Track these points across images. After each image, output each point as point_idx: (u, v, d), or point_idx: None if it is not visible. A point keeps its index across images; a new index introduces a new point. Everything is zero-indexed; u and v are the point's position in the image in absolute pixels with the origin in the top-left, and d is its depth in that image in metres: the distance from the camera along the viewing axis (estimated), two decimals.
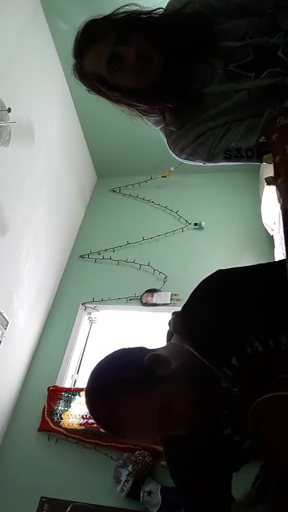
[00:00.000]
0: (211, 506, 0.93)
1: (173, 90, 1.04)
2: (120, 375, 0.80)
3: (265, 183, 0.77)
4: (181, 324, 0.90)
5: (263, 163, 0.92)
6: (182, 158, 1.16)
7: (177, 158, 1.17)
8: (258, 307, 0.81)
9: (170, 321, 0.94)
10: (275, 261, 0.97)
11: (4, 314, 2.54)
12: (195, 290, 0.91)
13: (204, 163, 1.13)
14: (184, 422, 0.79)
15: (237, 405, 0.78)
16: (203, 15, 1.04)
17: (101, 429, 2.41)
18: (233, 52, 1.03)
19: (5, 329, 2.57)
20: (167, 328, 0.96)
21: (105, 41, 0.99)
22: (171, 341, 0.90)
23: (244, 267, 0.91)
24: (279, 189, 0.72)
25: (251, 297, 0.83)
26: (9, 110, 2.21)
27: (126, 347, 0.88)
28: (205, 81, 1.05)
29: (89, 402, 0.82)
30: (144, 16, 1.03)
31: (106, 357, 0.86)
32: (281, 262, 0.88)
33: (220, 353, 0.80)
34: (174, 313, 0.93)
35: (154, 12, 1.04)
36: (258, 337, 0.78)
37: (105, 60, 0.98)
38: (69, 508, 2.29)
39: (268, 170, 0.78)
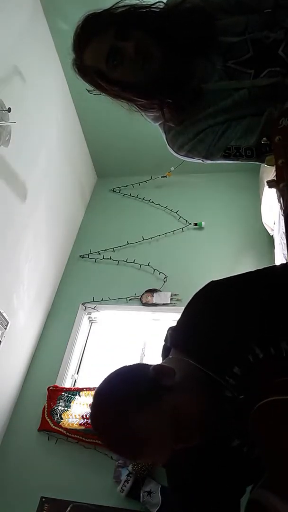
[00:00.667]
0: None
1: (172, 85, 1.03)
2: (127, 391, 0.79)
3: (267, 186, 0.76)
4: (179, 338, 0.88)
5: (265, 165, 0.91)
6: (180, 155, 1.15)
7: (175, 154, 1.16)
8: (257, 314, 0.80)
9: (166, 336, 0.92)
10: (266, 267, 0.95)
11: (4, 314, 2.54)
12: (189, 303, 0.90)
13: (202, 161, 1.12)
14: (194, 432, 0.78)
15: (242, 414, 0.78)
16: (204, 10, 1.03)
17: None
18: (233, 48, 1.02)
19: (5, 329, 2.56)
20: (162, 343, 0.94)
21: (105, 36, 0.98)
22: (169, 356, 0.89)
23: (236, 275, 0.90)
24: (281, 193, 0.71)
25: (248, 304, 0.82)
26: (9, 110, 2.21)
27: (125, 365, 0.87)
28: (204, 77, 1.04)
29: (100, 425, 0.81)
30: (144, 10, 1.02)
31: (108, 377, 0.84)
32: (273, 267, 0.87)
33: (221, 363, 0.79)
34: (171, 328, 0.92)
35: (154, 6, 1.04)
36: (259, 344, 0.77)
37: (105, 54, 0.98)
38: (69, 508, 2.29)
39: (268, 171, 0.77)
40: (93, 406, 0.82)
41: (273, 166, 0.75)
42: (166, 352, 0.93)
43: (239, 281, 0.88)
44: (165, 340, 0.93)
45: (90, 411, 0.84)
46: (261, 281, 0.87)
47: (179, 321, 0.91)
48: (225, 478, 0.89)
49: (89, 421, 2.50)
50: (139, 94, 1.04)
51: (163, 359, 0.92)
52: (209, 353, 0.81)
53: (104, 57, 0.98)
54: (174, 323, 0.95)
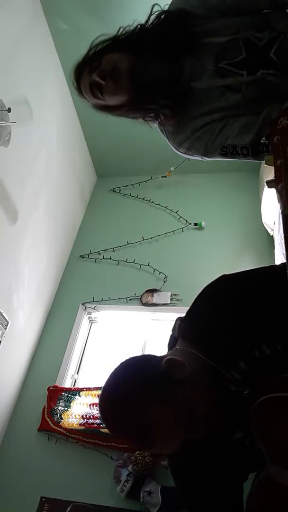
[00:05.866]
0: None
1: (156, 89, 1.07)
2: (140, 384, 0.79)
3: (266, 186, 0.76)
4: (187, 330, 0.89)
5: (264, 164, 0.91)
6: (180, 152, 1.17)
7: (176, 151, 1.18)
8: (265, 311, 0.80)
9: (174, 326, 0.93)
10: (277, 265, 0.96)
11: (4, 314, 2.54)
12: (199, 295, 0.90)
13: (202, 158, 1.14)
14: (204, 423, 0.78)
15: (246, 408, 0.78)
16: (178, 15, 1.07)
17: (101, 430, 2.42)
18: (225, 49, 1.04)
19: (5, 329, 2.57)
20: (170, 333, 0.95)
21: (84, 75, 1.10)
22: (176, 347, 0.89)
23: (248, 271, 0.89)
24: (279, 194, 0.72)
25: (258, 301, 0.82)
26: (9, 110, 2.21)
27: (131, 356, 0.87)
28: (192, 76, 1.06)
29: (113, 418, 0.80)
30: (112, 36, 1.10)
31: (117, 369, 0.84)
32: (283, 265, 0.87)
33: (228, 357, 0.80)
34: (179, 319, 0.92)
35: (124, 31, 1.11)
36: (266, 341, 0.78)
37: (89, 92, 1.10)
38: (69, 508, 2.29)
39: (268, 170, 0.78)
40: (104, 399, 0.82)
41: (272, 166, 0.75)
42: (173, 342, 0.93)
43: (250, 276, 0.88)
44: (173, 330, 0.93)
45: (100, 404, 0.83)
46: (271, 278, 0.87)
47: (188, 313, 0.91)
48: (226, 467, 0.90)
49: (89, 421, 2.50)
50: (132, 109, 1.11)
51: (169, 349, 0.92)
52: (216, 346, 0.81)
53: (90, 94, 1.10)
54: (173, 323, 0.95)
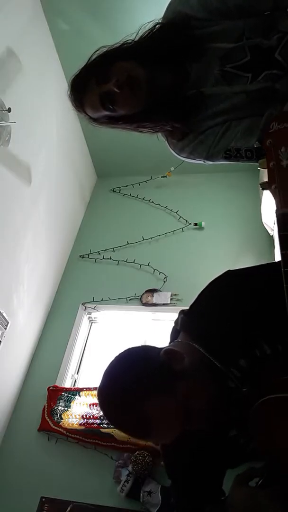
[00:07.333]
0: (202, 500, 0.95)
1: (166, 100, 1.06)
2: (139, 374, 0.80)
3: (260, 188, 0.79)
4: (189, 323, 0.89)
5: (258, 167, 0.93)
6: (182, 157, 1.17)
7: (177, 156, 1.18)
8: (268, 310, 0.80)
9: (177, 319, 0.94)
10: (276, 262, 0.96)
11: (4, 314, 2.54)
12: (204, 290, 0.91)
13: (204, 162, 1.14)
14: (202, 416, 0.79)
15: (244, 407, 0.78)
16: (178, 20, 1.06)
17: (101, 430, 2.42)
18: (230, 53, 1.03)
19: (5, 329, 2.57)
20: (172, 325, 0.96)
21: (90, 89, 1.06)
22: (178, 340, 0.90)
23: (253, 267, 0.90)
24: (273, 195, 0.74)
25: (261, 299, 0.82)
26: (9, 110, 2.21)
27: (131, 346, 0.87)
28: (198, 81, 1.06)
29: (112, 408, 0.81)
30: (115, 47, 1.08)
31: (117, 359, 0.85)
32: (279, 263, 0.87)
33: (229, 354, 0.80)
34: (182, 312, 0.93)
35: (125, 42, 1.09)
36: (267, 340, 0.78)
37: (99, 104, 1.06)
38: (69, 508, 2.29)
39: (265, 172, 0.80)
40: (103, 389, 0.82)
41: (265, 168, 0.78)
42: (175, 334, 0.94)
43: (254, 274, 0.88)
44: (176, 323, 0.94)
45: (98, 392, 0.83)
46: (274, 276, 0.87)
47: (192, 306, 0.92)
48: (217, 463, 0.92)
49: (89, 421, 2.51)
50: (142, 118, 1.11)
51: (171, 341, 0.93)
52: (217, 342, 0.82)
53: (99, 106, 1.06)
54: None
